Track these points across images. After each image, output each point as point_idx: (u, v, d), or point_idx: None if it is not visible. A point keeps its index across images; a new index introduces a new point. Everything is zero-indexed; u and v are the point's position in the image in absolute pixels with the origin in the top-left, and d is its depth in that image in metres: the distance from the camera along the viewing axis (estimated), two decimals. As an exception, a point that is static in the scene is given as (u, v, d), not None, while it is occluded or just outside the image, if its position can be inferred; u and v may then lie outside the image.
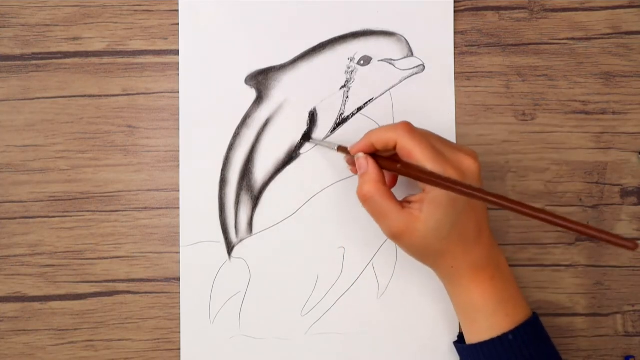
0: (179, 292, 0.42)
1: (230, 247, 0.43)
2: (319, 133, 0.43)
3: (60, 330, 0.43)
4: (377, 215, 0.35)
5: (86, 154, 0.43)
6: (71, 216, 0.43)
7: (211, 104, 0.43)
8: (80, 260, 0.43)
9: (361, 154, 0.36)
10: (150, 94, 0.43)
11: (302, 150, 0.43)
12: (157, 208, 0.43)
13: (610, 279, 0.43)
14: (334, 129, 0.43)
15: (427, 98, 0.43)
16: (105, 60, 0.43)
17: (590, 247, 0.43)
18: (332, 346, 0.42)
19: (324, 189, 0.43)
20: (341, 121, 0.43)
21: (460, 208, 0.34)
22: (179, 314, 0.42)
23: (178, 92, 0.43)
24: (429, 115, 0.43)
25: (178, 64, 0.43)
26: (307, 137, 0.43)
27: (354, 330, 0.42)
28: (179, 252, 0.43)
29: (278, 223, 0.43)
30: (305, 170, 0.43)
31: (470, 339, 0.37)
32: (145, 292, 0.43)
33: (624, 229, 0.43)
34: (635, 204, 0.43)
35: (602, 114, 0.43)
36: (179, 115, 0.43)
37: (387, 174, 0.37)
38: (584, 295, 0.43)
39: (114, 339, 0.43)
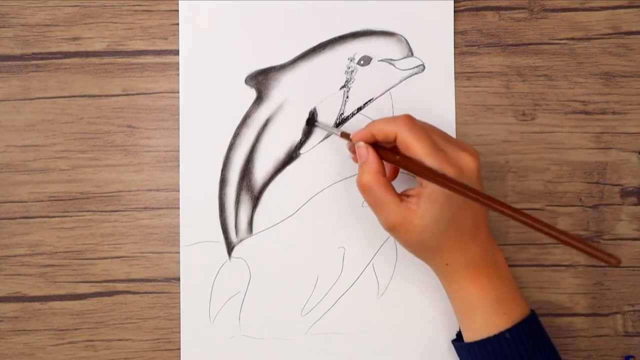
0: (179, 292, 0.42)
1: (230, 247, 0.43)
2: (319, 133, 0.43)
3: (60, 330, 0.43)
4: (375, 205, 0.35)
5: (86, 154, 0.43)
6: (71, 216, 0.43)
7: (211, 104, 0.43)
8: (80, 260, 0.43)
9: (362, 143, 0.36)
10: (150, 94, 0.43)
11: (302, 150, 0.43)
12: (157, 208, 0.43)
13: (610, 279, 0.43)
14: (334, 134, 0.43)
15: (427, 98, 0.43)
16: (105, 60, 0.43)
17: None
18: (332, 346, 0.42)
19: (324, 189, 0.43)
20: (341, 121, 0.43)
21: (457, 205, 0.34)
22: (179, 314, 0.42)
23: (178, 92, 0.43)
24: (429, 115, 0.43)
25: (178, 64, 0.43)
26: (311, 121, 0.42)
27: (354, 330, 0.42)
28: (179, 252, 0.43)
29: (278, 223, 0.43)
30: (305, 170, 0.43)
31: (468, 337, 0.37)
32: (145, 292, 0.43)
33: (624, 229, 0.43)
34: (635, 204, 0.43)
35: (602, 114, 0.43)
36: (179, 115, 0.43)
37: (388, 166, 0.37)
38: (584, 295, 0.43)
39: (114, 339, 0.43)
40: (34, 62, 0.43)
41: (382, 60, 0.43)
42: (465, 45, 0.44)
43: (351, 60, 0.43)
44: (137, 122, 0.43)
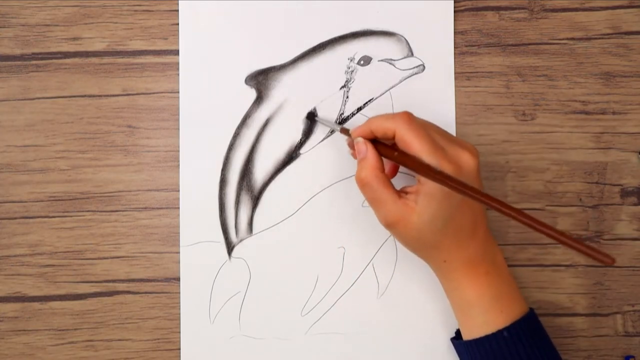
0: (179, 292, 0.42)
1: (230, 247, 0.43)
2: (319, 133, 0.43)
3: (60, 330, 0.43)
4: (373, 201, 0.35)
5: (86, 154, 0.43)
6: (71, 216, 0.43)
7: (211, 104, 0.43)
8: (80, 260, 0.43)
9: (360, 139, 0.36)
10: (150, 94, 0.43)
11: (302, 150, 0.43)
12: (157, 208, 0.43)
13: (610, 279, 0.43)
14: (333, 129, 0.43)
15: (427, 98, 0.43)
16: (105, 60, 0.43)
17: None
18: (332, 346, 0.42)
19: (324, 189, 0.43)
20: (341, 121, 0.43)
21: (455, 203, 0.34)
22: (179, 314, 0.42)
23: (178, 92, 0.43)
24: (429, 115, 0.42)
25: (178, 64, 0.43)
26: (311, 116, 0.42)
27: (354, 330, 0.42)
28: (179, 252, 0.43)
29: (278, 223, 0.43)
30: (305, 170, 0.43)
31: (467, 335, 0.37)
32: (145, 292, 0.43)
33: (624, 229, 0.43)
34: (635, 204, 0.43)
35: (602, 114, 0.43)
36: (179, 115, 0.43)
37: (387, 163, 0.37)
38: (584, 295, 0.43)
39: (114, 339, 0.43)
40: (34, 62, 0.43)
41: (382, 60, 0.43)
42: (465, 45, 0.44)
43: (351, 60, 0.43)
44: (137, 122, 0.43)
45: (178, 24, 0.43)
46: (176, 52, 0.43)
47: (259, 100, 0.43)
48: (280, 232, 0.43)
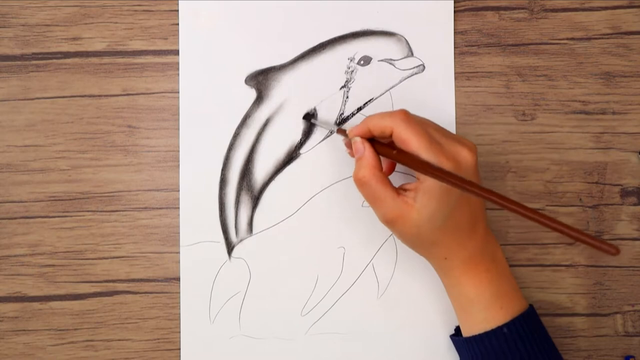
0: (179, 292, 0.42)
1: (230, 247, 0.43)
2: (318, 133, 0.43)
3: (60, 330, 0.43)
4: (372, 200, 0.35)
5: (86, 154, 0.43)
6: (71, 216, 0.43)
7: (211, 104, 0.43)
8: (80, 260, 0.43)
9: (358, 138, 0.36)
10: (150, 94, 0.43)
11: (302, 150, 0.43)
12: (157, 208, 0.43)
13: (610, 279, 0.43)
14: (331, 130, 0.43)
15: (427, 98, 0.43)
16: (105, 60, 0.43)
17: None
18: (332, 346, 0.42)
19: (324, 189, 0.43)
20: (341, 121, 0.43)
21: (454, 199, 0.34)
22: (179, 314, 0.42)
23: (178, 92, 0.43)
24: (429, 115, 0.42)
25: (178, 64, 0.43)
26: (308, 117, 0.42)
27: (354, 330, 0.42)
28: (179, 252, 0.43)
29: (278, 223, 0.43)
30: (305, 170, 0.43)
31: (466, 331, 0.37)
32: (145, 292, 0.43)
33: (624, 229, 0.43)
34: (635, 204, 0.43)
35: (602, 114, 0.43)
36: (179, 115, 0.43)
37: (385, 160, 0.37)
38: (584, 295, 0.43)
39: (114, 339, 0.43)
40: (34, 62, 0.43)
41: (382, 60, 0.43)
42: (465, 45, 0.44)
43: (351, 60, 0.43)
44: (137, 122, 0.43)
45: (178, 24, 0.43)
46: (176, 52, 0.43)
47: (259, 100, 0.43)
48: (280, 232, 0.43)
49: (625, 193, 0.43)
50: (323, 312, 0.42)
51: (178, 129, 0.43)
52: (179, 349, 0.42)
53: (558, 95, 0.43)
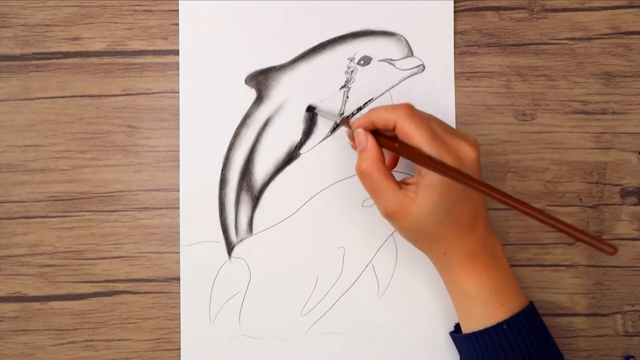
0: (179, 292, 0.42)
1: (230, 247, 0.43)
2: (319, 133, 0.43)
3: (60, 330, 0.43)
4: (373, 192, 0.35)
5: (86, 154, 0.43)
6: (71, 216, 0.43)
7: (211, 104, 0.43)
8: (80, 260, 0.43)
9: (361, 130, 0.36)
10: (150, 94, 0.43)
11: (302, 150, 0.43)
12: (157, 208, 0.43)
13: (610, 279, 0.43)
14: (333, 129, 0.43)
15: (427, 98, 0.43)
16: (105, 60, 0.43)
17: (590, 247, 0.43)
18: (332, 346, 0.42)
19: (324, 189, 0.43)
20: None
21: (456, 194, 0.34)
22: (179, 314, 0.42)
23: (178, 92, 0.43)
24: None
25: (178, 64, 0.43)
26: (311, 108, 0.42)
27: (354, 330, 0.42)
28: (179, 252, 0.43)
29: (278, 223, 0.43)
30: (305, 170, 0.43)
31: (466, 328, 0.37)
32: (145, 292, 0.43)
33: (624, 229, 0.43)
34: (635, 204, 0.43)
35: (602, 114, 0.43)
36: (179, 115, 0.43)
37: (388, 154, 0.37)
38: (584, 295, 0.43)
39: (114, 339, 0.43)
40: (34, 62, 0.43)
41: (382, 60, 0.43)
42: (465, 45, 0.44)
43: (351, 60, 0.43)
44: (137, 122, 0.43)
45: (178, 24, 0.43)
46: (176, 52, 0.43)
47: (259, 100, 0.43)
48: (280, 232, 0.43)
49: (625, 193, 0.43)
50: (323, 312, 0.42)
51: (178, 129, 0.43)
52: (179, 349, 0.42)
53: (558, 95, 0.43)
